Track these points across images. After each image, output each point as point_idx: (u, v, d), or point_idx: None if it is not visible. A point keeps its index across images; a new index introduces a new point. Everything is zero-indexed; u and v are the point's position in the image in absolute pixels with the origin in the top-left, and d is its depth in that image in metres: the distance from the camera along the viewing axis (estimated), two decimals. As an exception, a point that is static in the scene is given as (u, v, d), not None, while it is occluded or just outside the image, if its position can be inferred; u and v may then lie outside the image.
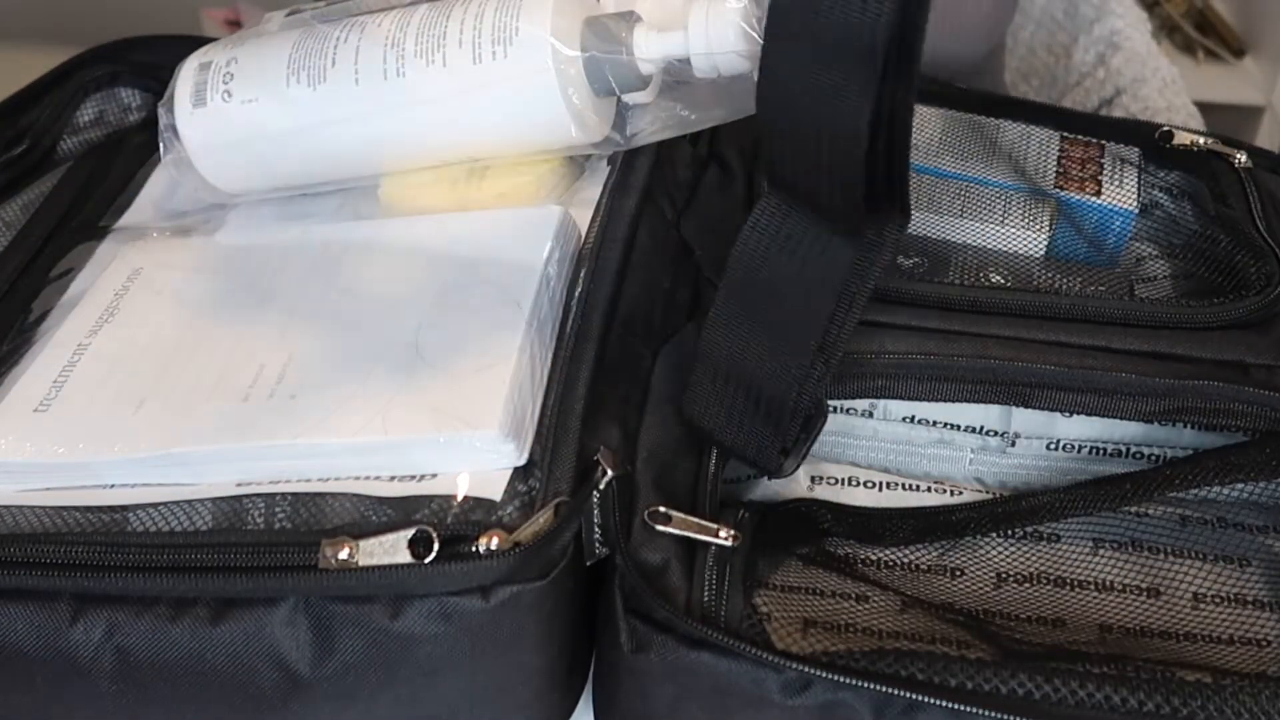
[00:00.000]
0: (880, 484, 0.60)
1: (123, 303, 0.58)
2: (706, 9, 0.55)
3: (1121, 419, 0.55)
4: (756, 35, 0.55)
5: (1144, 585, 0.54)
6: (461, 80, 0.57)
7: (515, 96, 0.57)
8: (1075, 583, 0.55)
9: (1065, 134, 0.70)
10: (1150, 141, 0.68)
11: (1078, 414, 0.56)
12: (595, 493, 0.47)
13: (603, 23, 0.57)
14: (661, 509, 0.47)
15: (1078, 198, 0.65)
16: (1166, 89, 0.97)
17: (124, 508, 0.49)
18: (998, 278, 0.62)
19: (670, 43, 0.56)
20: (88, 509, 0.49)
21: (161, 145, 0.63)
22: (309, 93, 0.58)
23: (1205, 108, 1.01)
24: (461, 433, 0.47)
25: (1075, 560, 0.55)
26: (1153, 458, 0.58)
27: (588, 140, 0.59)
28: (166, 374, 0.53)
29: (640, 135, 0.61)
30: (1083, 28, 0.99)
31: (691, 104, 0.60)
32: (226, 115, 0.60)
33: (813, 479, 0.59)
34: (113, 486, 0.50)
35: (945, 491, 0.59)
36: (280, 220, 0.65)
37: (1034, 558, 0.56)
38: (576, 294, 0.56)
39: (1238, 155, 0.66)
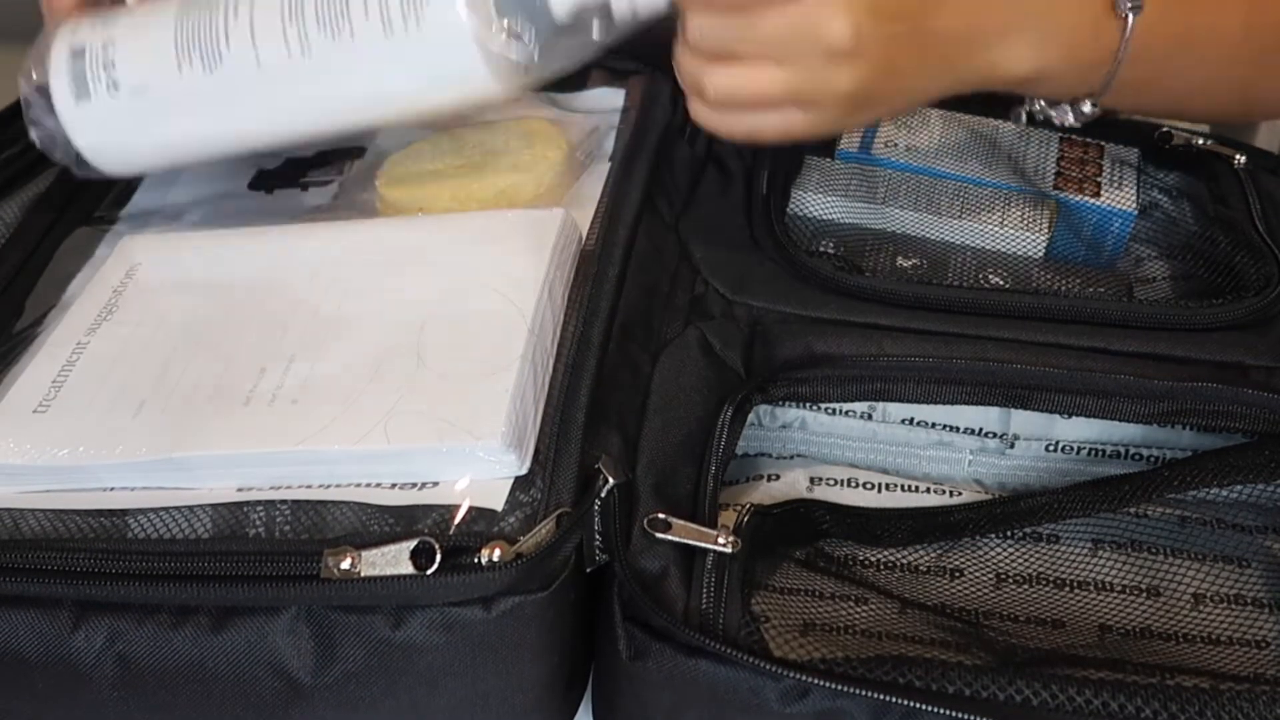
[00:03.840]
0: (879, 485, 0.60)
1: (121, 300, 0.58)
2: None
3: (1120, 420, 0.55)
4: None
5: (1143, 586, 0.54)
6: (373, 52, 0.55)
7: (432, 64, 0.55)
8: (1075, 583, 0.55)
9: (1064, 135, 0.70)
10: (1149, 142, 0.68)
11: (1076, 416, 0.56)
12: (596, 501, 0.47)
13: None
14: (661, 516, 0.47)
15: (1077, 199, 0.65)
16: None
17: (123, 512, 0.48)
18: (997, 279, 0.62)
19: None
20: (88, 512, 0.49)
21: (29, 125, 0.61)
22: (205, 77, 0.56)
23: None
24: (465, 442, 0.47)
25: (1075, 561, 0.56)
26: (1152, 459, 0.58)
27: (505, 92, 0.57)
28: (166, 375, 0.53)
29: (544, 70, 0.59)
30: None
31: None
32: (114, 107, 0.58)
33: (812, 480, 0.59)
34: (111, 489, 0.50)
35: (944, 493, 0.59)
36: (277, 216, 0.65)
37: (1033, 558, 0.56)
38: (578, 300, 0.56)
39: (1237, 156, 0.66)
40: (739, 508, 0.52)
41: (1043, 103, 0.63)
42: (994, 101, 0.74)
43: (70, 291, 0.61)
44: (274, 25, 0.55)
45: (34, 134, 0.62)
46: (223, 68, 0.56)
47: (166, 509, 0.48)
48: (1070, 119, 0.61)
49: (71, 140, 0.60)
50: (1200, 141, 0.67)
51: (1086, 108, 0.59)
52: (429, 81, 0.56)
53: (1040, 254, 0.64)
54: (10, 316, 0.61)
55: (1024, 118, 0.66)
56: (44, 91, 0.59)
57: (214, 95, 0.57)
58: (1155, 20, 0.56)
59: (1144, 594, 0.54)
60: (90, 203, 0.69)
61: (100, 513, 0.49)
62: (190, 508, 0.48)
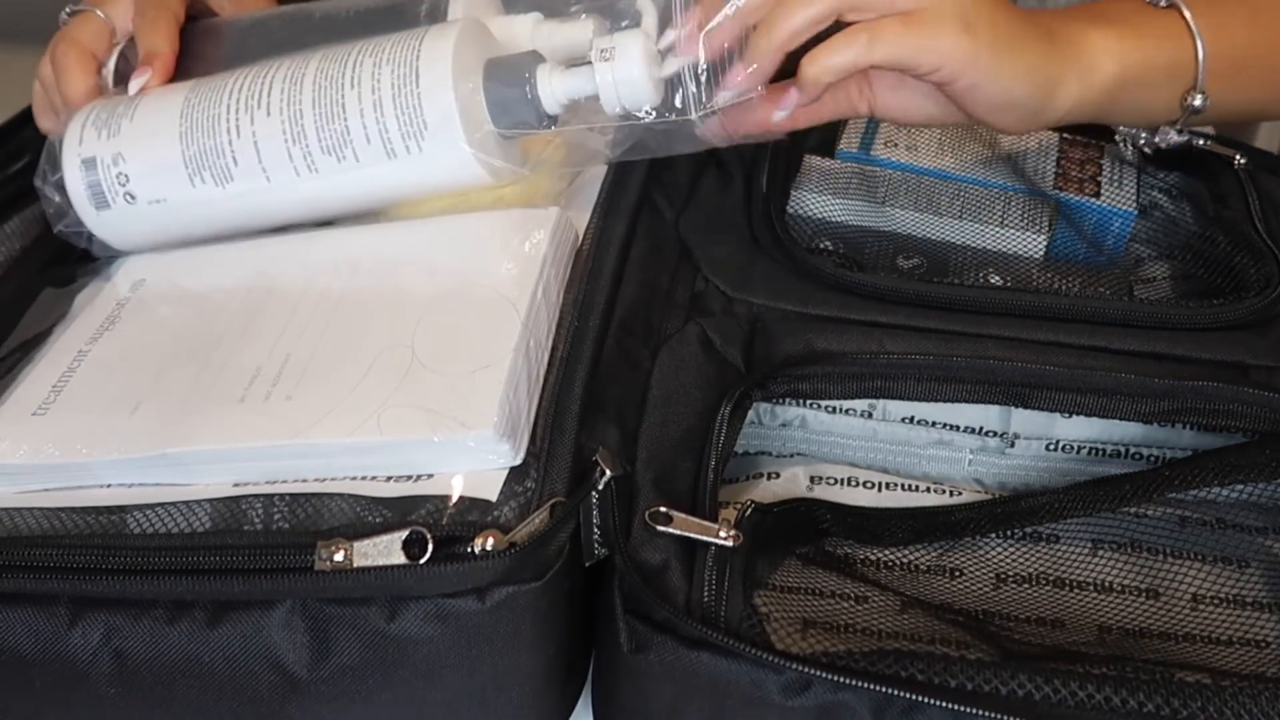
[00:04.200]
0: (879, 484, 0.60)
1: (124, 312, 0.59)
2: (611, 47, 0.55)
3: (1121, 420, 0.55)
4: (658, 67, 0.55)
5: (1143, 586, 0.54)
6: (377, 171, 0.57)
7: (434, 176, 0.58)
8: (1074, 583, 0.54)
9: (1064, 135, 0.70)
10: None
11: (1077, 415, 0.56)
12: (594, 493, 0.47)
13: (505, 66, 0.57)
14: (662, 509, 0.47)
15: (1077, 199, 0.65)
16: None
17: (122, 509, 0.48)
18: (997, 278, 0.62)
19: (575, 82, 0.56)
20: (86, 510, 0.49)
21: (50, 216, 0.63)
22: (218, 190, 0.59)
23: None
24: (457, 433, 0.47)
25: (1074, 561, 0.55)
26: (1152, 458, 0.58)
27: (499, 181, 0.59)
28: (164, 376, 0.53)
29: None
30: None
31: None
32: (135, 214, 0.61)
33: (812, 479, 0.59)
34: (109, 487, 0.50)
35: (944, 492, 0.59)
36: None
37: (1033, 558, 0.56)
38: (573, 295, 0.56)
39: (1237, 156, 0.66)
40: (739, 505, 0.51)
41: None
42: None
43: (76, 305, 0.61)
44: (278, 148, 0.57)
45: (58, 226, 0.63)
46: (234, 183, 0.58)
47: (164, 505, 0.48)
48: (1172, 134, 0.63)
49: (95, 235, 0.62)
50: (1200, 142, 0.67)
51: (1197, 101, 0.60)
52: (431, 187, 0.59)
53: (1040, 254, 0.64)
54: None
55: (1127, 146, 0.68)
56: (61, 187, 0.62)
57: (229, 203, 0.59)
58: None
59: (1144, 594, 0.54)
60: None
61: (99, 510, 0.49)
62: (188, 503, 0.48)
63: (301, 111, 0.57)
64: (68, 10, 0.66)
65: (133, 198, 0.60)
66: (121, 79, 0.64)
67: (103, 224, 0.61)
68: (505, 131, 0.57)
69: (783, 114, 0.57)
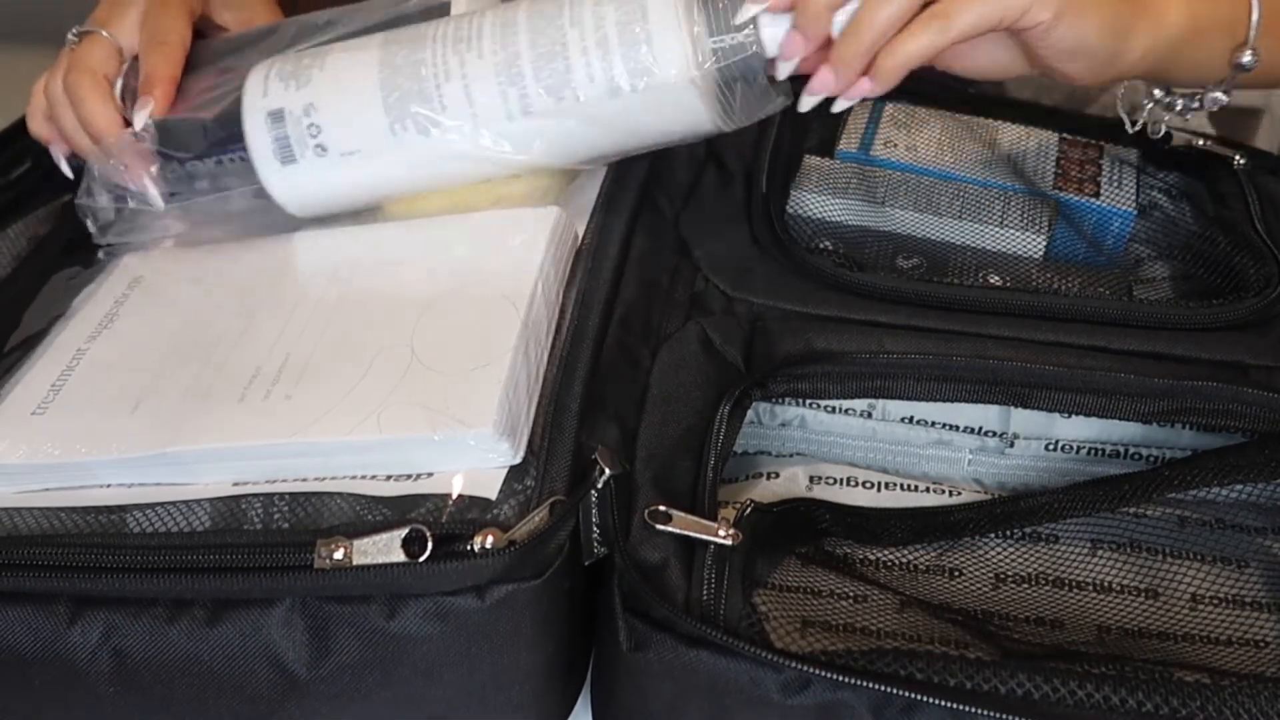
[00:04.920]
0: (879, 484, 0.60)
1: (122, 310, 0.59)
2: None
3: (1120, 420, 0.55)
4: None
5: (1142, 586, 0.54)
6: (597, 110, 0.56)
7: (656, 117, 0.57)
8: (1074, 583, 0.55)
9: (1064, 135, 0.70)
10: (1149, 142, 0.68)
11: (1076, 414, 0.56)
12: (593, 492, 0.47)
13: (721, 7, 0.55)
14: (662, 508, 0.47)
15: (1076, 199, 0.65)
16: None
17: (122, 508, 0.49)
18: (996, 278, 0.62)
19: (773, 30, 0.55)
20: (85, 510, 0.49)
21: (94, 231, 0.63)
22: (421, 140, 0.57)
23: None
24: (456, 431, 0.47)
25: (1074, 561, 0.55)
26: (1151, 459, 0.58)
27: (727, 128, 0.58)
28: (163, 376, 0.53)
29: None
30: None
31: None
32: (323, 168, 0.59)
33: (811, 479, 0.59)
34: (109, 487, 0.50)
35: (944, 492, 0.59)
36: (277, 228, 0.65)
37: (1032, 558, 0.56)
38: (573, 294, 0.56)
39: (1236, 156, 0.67)
40: (739, 504, 0.51)
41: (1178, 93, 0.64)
42: (993, 103, 0.74)
43: (75, 304, 0.61)
44: (491, 90, 0.56)
45: (89, 215, 0.63)
46: (438, 130, 0.57)
47: (164, 504, 0.48)
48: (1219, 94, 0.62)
49: (272, 195, 0.61)
50: (1200, 142, 0.67)
51: (1246, 58, 0.59)
52: (651, 128, 0.58)
53: (1040, 254, 0.64)
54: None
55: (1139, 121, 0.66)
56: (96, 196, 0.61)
57: (427, 154, 0.58)
58: None
59: (1143, 594, 0.54)
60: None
61: (99, 509, 0.49)
62: (188, 503, 0.48)
63: (518, 53, 0.56)
64: (74, 33, 0.66)
65: (323, 150, 0.58)
66: (131, 94, 0.64)
67: (284, 180, 0.59)
68: (727, 71, 0.56)
69: (848, 104, 0.57)
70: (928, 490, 0.59)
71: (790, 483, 0.59)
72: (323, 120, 0.58)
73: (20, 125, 0.73)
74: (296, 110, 0.58)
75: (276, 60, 0.60)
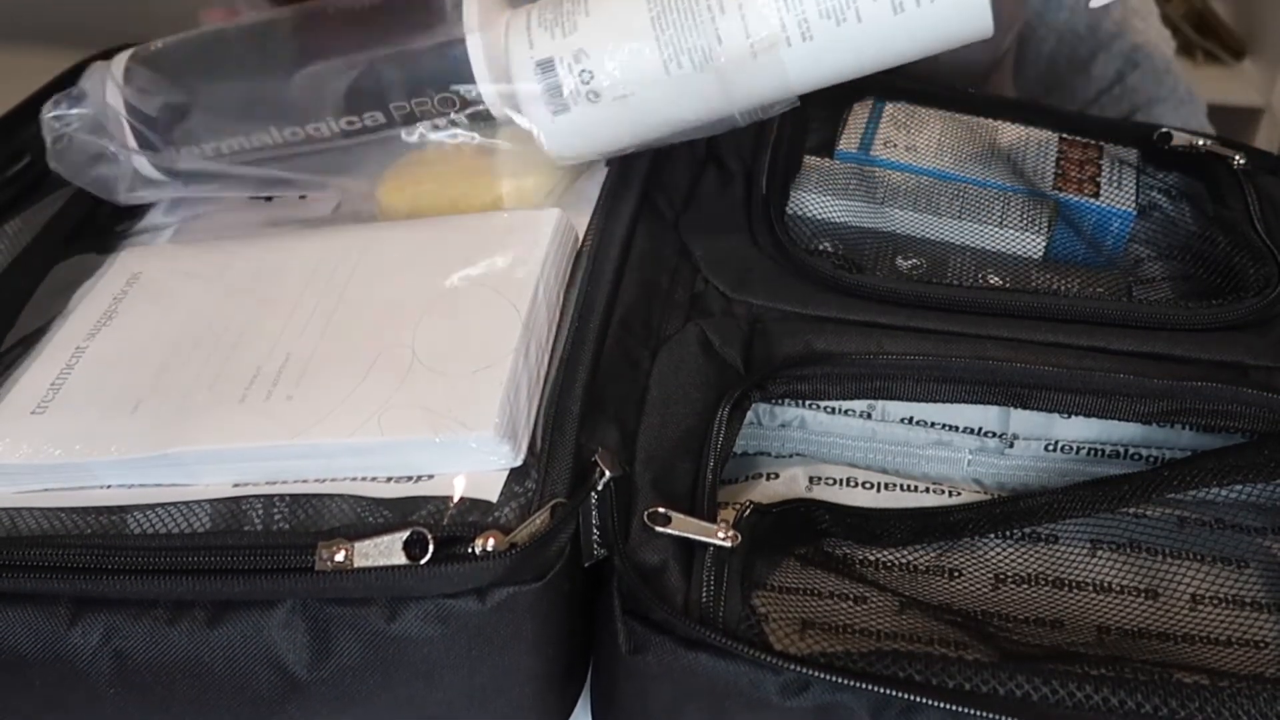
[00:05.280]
0: (878, 485, 0.60)
1: (121, 307, 0.58)
2: None
3: (1120, 420, 0.55)
4: None
5: (1142, 586, 0.54)
6: (880, 29, 0.55)
7: (945, 28, 0.56)
8: (1073, 584, 0.55)
9: (1064, 135, 0.70)
10: (1149, 143, 0.68)
11: (1076, 415, 0.56)
12: (593, 494, 0.47)
13: None
14: (661, 510, 0.47)
15: (1076, 199, 0.65)
16: (1182, 108, 0.97)
17: (122, 509, 0.48)
18: (996, 279, 0.62)
19: None
20: (86, 510, 0.49)
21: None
22: (695, 75, 0.56)
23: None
24: (458, 434, 0.47)
25: (1073, 561, 0.55)
26: (1151, 459, 0.58)
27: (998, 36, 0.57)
28: (163, 375, 0.53)
29: None
30: (1103, 43, 0.99)
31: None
32: (595, 114, 0.58)
33: (811, 479, 0.59)
34: (109, 487, 0.50)
35: (943, 492, 0.59)
36: (276, 224, 0.65)
37: (1032, 559, 0.56)
38: (574, 295, 0.56)
39: (1236, 157, 0.66)
40: (738, 506, 0.51)
41: None
42: (993, 103, 0.74)
43: (73, 300, 0.61)
44: (769, 17, 0.55)
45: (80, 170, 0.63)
46: (713, 63, 0.56)
47: (164, 505, 0.48)
48: None
49: (544, 143, 0.60)
50: (1200, 142, 0.67)
51: None
52: (937, 41, 0.57)
53: (1039, 254, 0.64)
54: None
55: None
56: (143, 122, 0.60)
57: (700, 88, 0.57)
58: None
59: (1142, 595, 0.54)
60: (104, 220, 0.69)
61: (99, 510, 0.49)
62: (188, 504, 0.48)
63: None
64: None
65: (596, 95, 0.57)
66: None
67: (556, 130, 0.59)
68: None
69: None
70: (927, 491, 0.59)
71: (790, 483, 0.59)
72: (595, 66, 0.57)
73: (19, 119, 0.73)
74: (566, 58, 0.57)
75: (532, 8, 0.60)
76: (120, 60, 0.63)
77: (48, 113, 0.63)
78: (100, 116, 0.63)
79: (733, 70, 0.56)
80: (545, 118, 0.59)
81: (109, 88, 0.62)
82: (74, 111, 0.63)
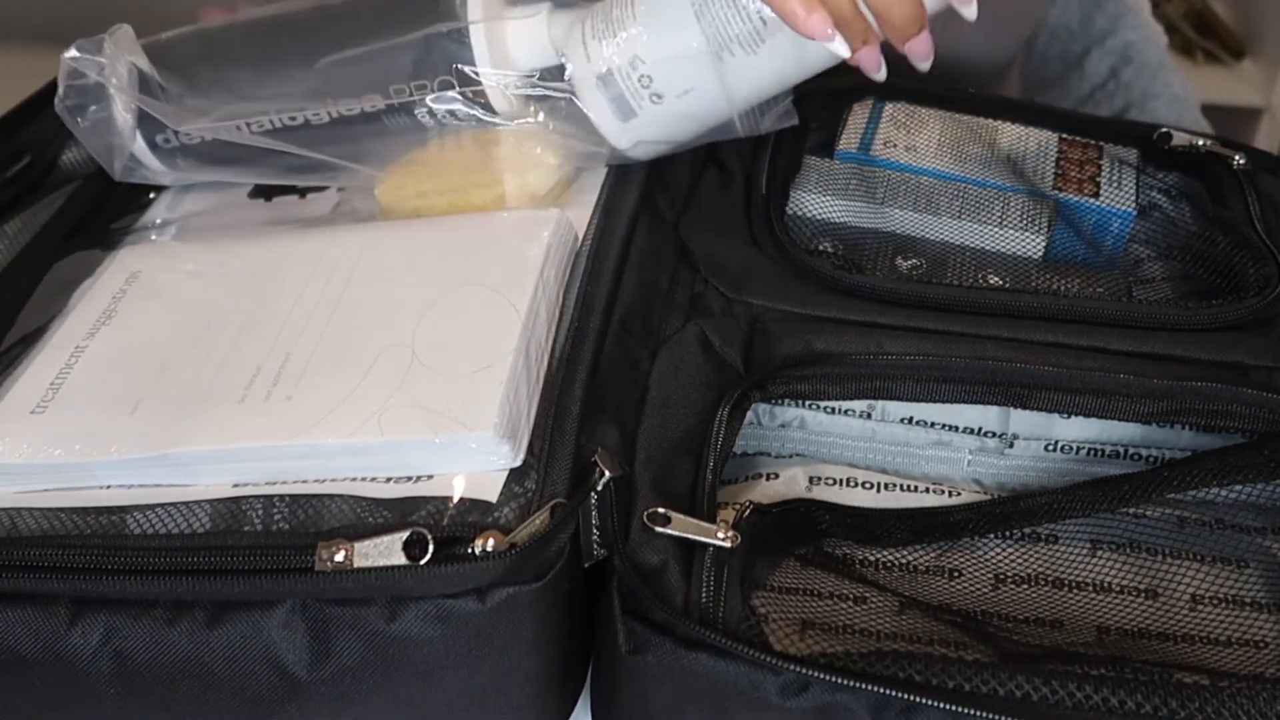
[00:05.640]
0: (878, 485, 0.60)
1: (120, 305, 0.58)
2: None
3: (1120, 420, 0.55)
4: None
5: (1142, 586, 0.54)
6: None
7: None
8: (1073, 584, 0.55)
9: (1064, 135, 0.70)
10: (1149, 143, 0.68)
11: (1076, 415, 0.56)
12: (593, 494, 0.47)
13: None
14: (661, 510, 0.47)
15: (1076, 199, 0.65)
16: (1176, 104, 0.97)
17: (122, 509, 0.48)
18: (996, 279, 0.62)
19: None
20: (85, 510, 0.49)
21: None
22: (748, 59, 0.57)
23: (1204, 109, 1.01)
24: (457, 434, 0.47)
25: (1073, 561, 0.55)
26: (1151, 459, 0.58)
27: None
28: (163, 375, 0.53)
29: None
30: (1096, 40, 1.00)
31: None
32: (663, 112, 0.60)
33: (811, 480, 0.59)
34: (109, 487, 0.50)
35: (943, 492, 0.59)
36: (276, 223, 0.65)
37: (1032, 559, 0.56)
38: (573, 295, 0.56)
39: (1236, 157, 0.66)
40: (738, 506, 0.51)
41: None
42: (993, 103, 0.74)
43: (73, 299, 0.61)
44: None
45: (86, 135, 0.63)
46: (765, 44, 0.57)
47: (164, 505, 0.48)
48: None
49: (614, 147, 0.62)
50: (1200, 142, 0.67)
51: None
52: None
53: (1039, 254, 0.64)
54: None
55: None
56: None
57: (752, 68, 0.58)
58: None
59: (1142, 595, 0.54)
60: (105, 217, 0.68)
61: (99, 510, 0.49)
62: (188, 504, 0.48)
63: None
64: None
65: (659, 97, 0.59)
66: None
67: (628, 133, 0.61)
68: None
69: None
70: (927, 491, 0.59)
71: (790, 483, 0.59)
72: (652, 70, 0.58)
73: (19, 120, 0.73)
74: (624, 67, 0.59)
75: (585, 18, 0.60)
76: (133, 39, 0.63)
77: (68, 53, 0.64)
78: (110, 76, 0.63)
79: (785, 53, 0.58)
80: (614, 125, 0.60)
81: (122, 55, 0.63)
82: (92, 58, 0.64)
